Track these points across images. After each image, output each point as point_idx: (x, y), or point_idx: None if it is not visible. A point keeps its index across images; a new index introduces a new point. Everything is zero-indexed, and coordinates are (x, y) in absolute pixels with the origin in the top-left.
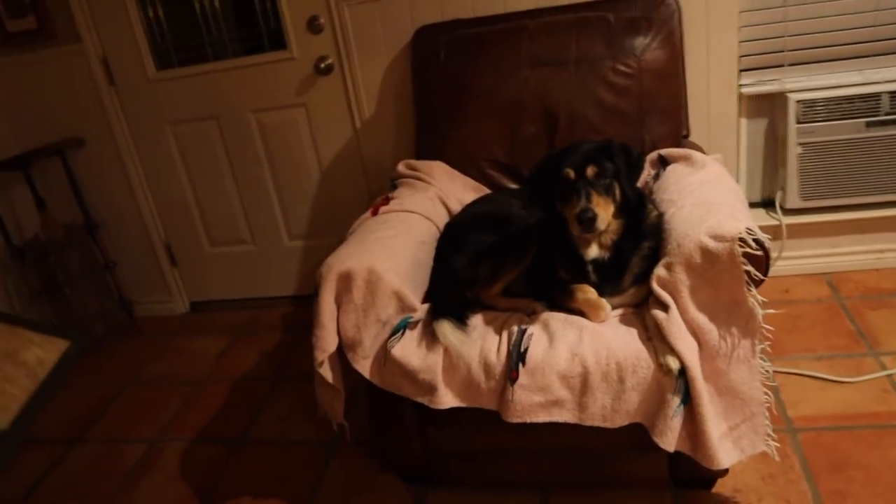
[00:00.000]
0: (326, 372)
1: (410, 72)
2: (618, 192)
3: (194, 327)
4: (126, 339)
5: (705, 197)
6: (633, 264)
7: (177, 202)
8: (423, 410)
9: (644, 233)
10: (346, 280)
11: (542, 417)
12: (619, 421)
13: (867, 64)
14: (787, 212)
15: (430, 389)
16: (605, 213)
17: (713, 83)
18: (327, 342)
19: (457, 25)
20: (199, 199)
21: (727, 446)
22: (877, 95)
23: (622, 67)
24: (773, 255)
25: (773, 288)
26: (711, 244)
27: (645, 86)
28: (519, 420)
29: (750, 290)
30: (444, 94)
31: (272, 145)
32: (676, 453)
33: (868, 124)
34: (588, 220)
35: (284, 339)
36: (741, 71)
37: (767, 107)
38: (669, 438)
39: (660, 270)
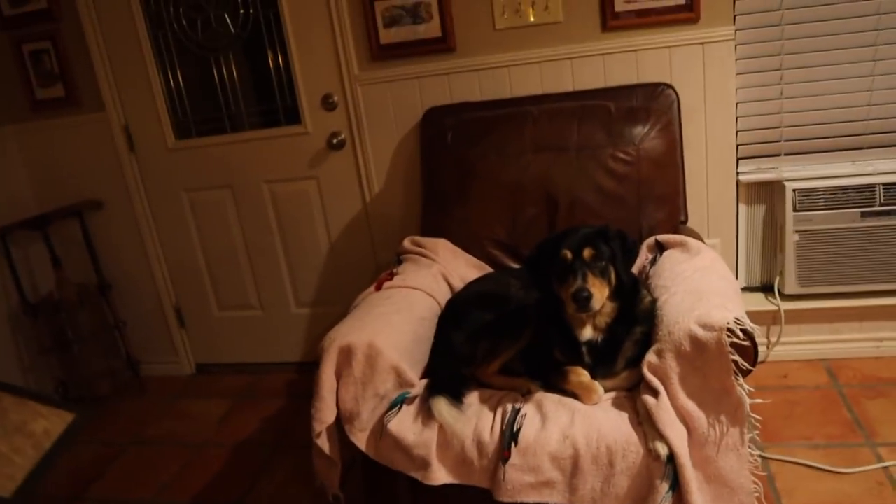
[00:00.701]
0: (324, 443)
1: (419, 150)
2: (613, 275)
3: (198, 389)
4: (130, 398)
5: (697, 285)
6: (626, 348)
7: (188, 266)
8: (417, 486)
9: (637, 317)
10: (346, 354)
11: (533, 498)
12: None
13: (861, 156)
14: (786, 297)
15: (424, 465)
16: (599, 293)
17: (712, 170)
18: (326, 414)
19: (464, 108)
20: (210, 263)
21: None
22: (871, 186)
23: (621, 155)
24: (773, 339)
25: (772, 373)
26: (700, 333)
27: (643, 173)
28: (510, 500)
29: (738, 379)
30: (450, 174)
31: (284, 215)
32: None
33: (863, 214)
34: (583, 300)
35: (286, 405)
36: (739, 159)
37: (766, 194)
38: None
39: (650, 357)
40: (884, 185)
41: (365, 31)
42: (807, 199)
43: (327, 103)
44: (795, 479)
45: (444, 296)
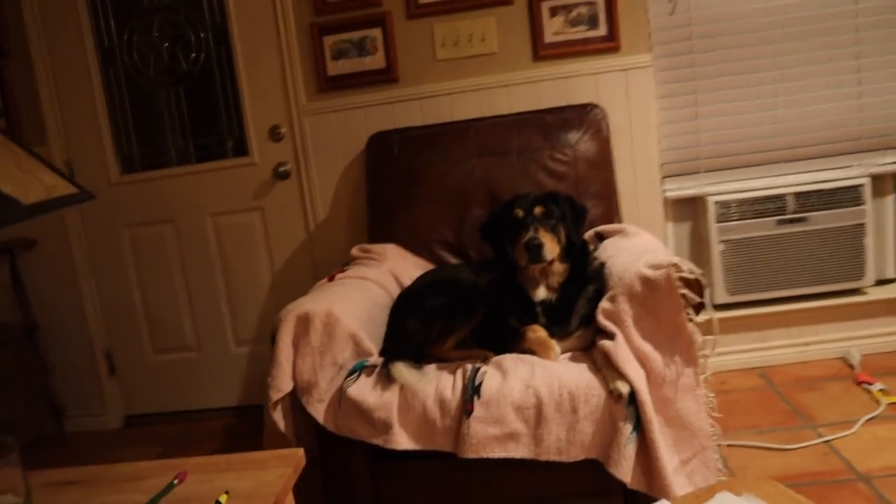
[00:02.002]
0: (278, 417)
1: (365, 170)
2: (563, 234)
3: (127, 439)
4: (51, 451)
5: (640, 248)
6: (580, 306)
7: (123, 307)
8: (376, 467)
9: (588, 277)
10: (304, 322)
11: (498, 452)
12: (575, 454)
13: (771, 170)
14: (717, 307)
15: (386, 428)
16: (551, 244)
17: (640, 188)
18: (283, 382)
19: (408, 130)
20: (147, 303)
21: (681, 481)
22: (783, 196)
23: (559, 156)
24: (709, 350)
25: (710, 381)
26: (650, 273)
27: (580, 172)
28: (475, 455)
29: (689, 316)
30: (397, 182)
31: (227, 248)
32: (633, 498)
33: (778, 222)
34: (535, 247)
35: (224, 447)
36: (664, 177)
37: (690, 209)
38: (625, 468)
39: (604, 303)
40: (794, 194)
41: (313, 63)
42: (727, 210)
43: (274, 134)
44: (746, 459)
45: (395, 290)
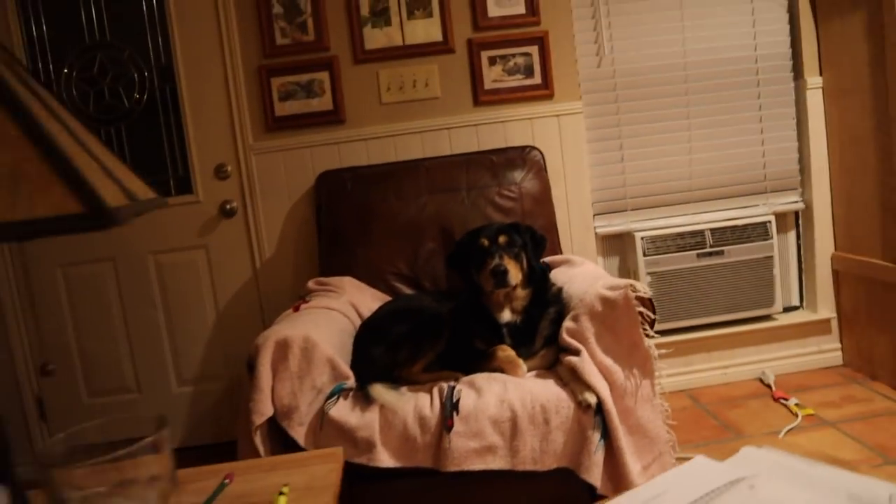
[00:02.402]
0: (259, 444)
1: (314, 209)
2: (525, 262)
3: None
4: None
5: (592, 274)
6: (543, 327)
7: (57, 348)
8: (354, 489)
9: (549, 301)
10: (282, 347)
11: (478, 465)
12: (548, 463)
13: (691, 208)
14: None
15: (369, 447)
16: (514, 271)
17: (574, 225)
18: (265, 406)
19: (357, 169)
20: (82, 344)
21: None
22: (702, 231)
23: (506, 192)
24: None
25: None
26: (609, 293)
27: (526, 207)
28: (457, 468)
29: (645, 331)
30: (352, 217)
31: (169, 286)
32: None
33: (698, 255)
34: (501, 274)
35: None
36: (595, 215)
37: (619, 245)
38: (595, 474)
39: (568, 323)
40: (711, 229)
41: (261, 104)
42: (653, 245)
43: (220, 172)
44: None
45: (357, 320)
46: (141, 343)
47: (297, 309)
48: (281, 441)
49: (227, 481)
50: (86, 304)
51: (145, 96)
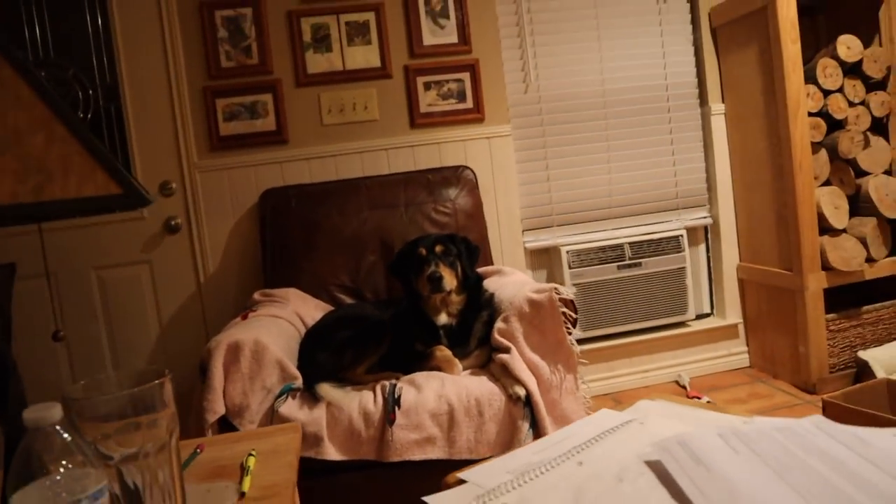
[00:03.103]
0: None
1: (259, 225)
2: (460, 269)
3: None
4: None
5: (520, 282)
6: (476, 329)
7: None
8: (301, 483)
9: (482, 305)
10: (234, 350)
11: (418, 455)
12: (482, 452)
13: (611, 224)
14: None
15: (317, 441)
16: (449, 277)
17: (504, 240)
18: (217, 405)
19: (300, 187)
20: (19, 359)
21: None
22: (621, 245)
23: (442, 208)
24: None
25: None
26: (536, 296)
27: (460, 222)
28: (398, 458)
29: (568, 330)
30: (296, 232)
31: (111, 301)
32: None
33: (619, 267)
34: (436, 280)
35: None
36: (524, 230)
37: (546, 258)
38: None
39: (499, 324)
40: (629, 243)
41: (206, 123)
42: (578, 258)
43: (165, 189)
44: None
45: (302, 328)
46: (81, 357)
47: (245, 317)
48: None
49: (198, 450)
50: (24, 317)
51: (89, 115)
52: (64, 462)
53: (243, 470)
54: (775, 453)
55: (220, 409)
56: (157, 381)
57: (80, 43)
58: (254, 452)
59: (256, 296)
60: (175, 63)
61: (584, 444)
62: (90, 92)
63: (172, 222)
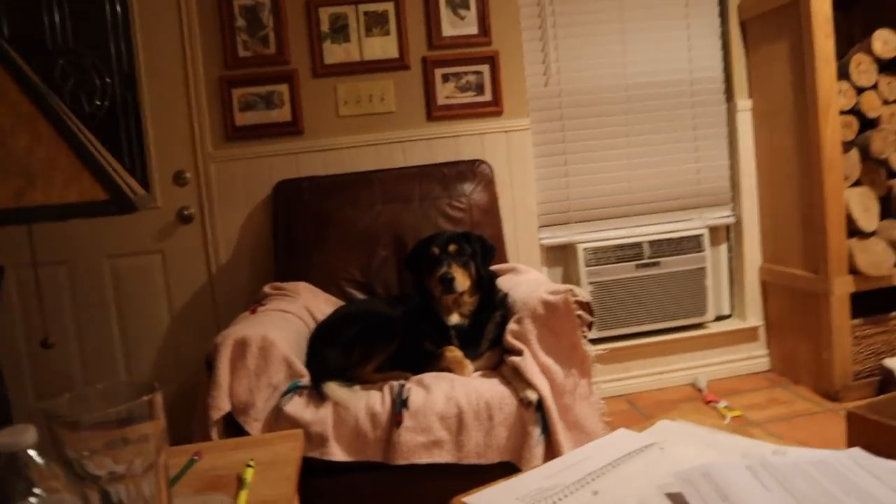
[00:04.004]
0: (215, 438)
1: (271, 213)
2: (474, 269)
3: None
4: None
5: (535, 281)
6: (489, 331)
7: (5, 350)
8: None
9: (495, 305)
10: (241, 346)
11: (425, 458)
12: (491, 457)
13: (630, 221)
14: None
15: (322, 441)
16: (462, 279)
17: (520, 236)
18: (223, 401)
19: (313, 178)
20: (31, 348)
21: None
22: (640, 244)
23: (456, 203)
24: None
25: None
26: (551, 297)
27: (475, 218)
28: (405, 461)
29: (584, 334)
30: (308, 224)
31: (124, 291)
32: None
33: (637, 266)
34: (448, 281)
35: None
36: (541, 227)
37: (562, 255)
38: (536, 466)
39: (512, 325)
40: (648, 242)
41: (221, 113)
42: (595, 256)
43: (179, 179)
44: None
45: (312, 323)
46: (92, 347)
47: (253, 311)
48: (236, 437)
49: (196, 458)
50: (35, 309)
51: (106, 102)
52: (37, 491)
53: (240, 482)
54: (810, 492)
55: (225, 407)
56: (145, 398)
57: (99, 31)
58: (252, 463)
59: (267, 289)
60: (192, 52)
61: (599, 469)
62: (107, 80)
63: (186, 212)
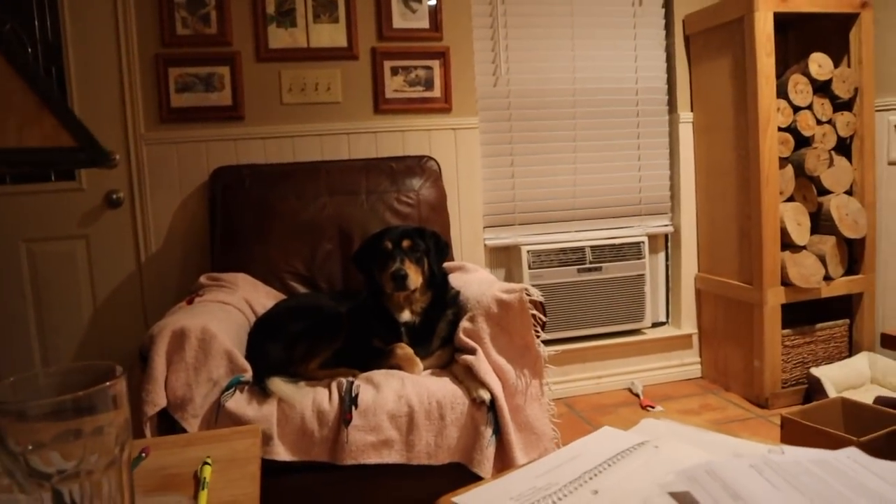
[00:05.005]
0: (148, 435)
1: (208, 205)
2: (427, 266)
3: None
4: None
5: (486, 280)
6: (440, 329)
7: None
8: None
9: (447, 303)
10: (179, 338)
11: (374, 459)
12: (442, 458)
13: (573, 226)
14: None
15: (266, 440)
16: (415, 275)
17: (465, 235)
18: (158, 396)
19: (254, 167)
20: None
21: None
22: (582, 248)
23: (405, 198)
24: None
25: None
26: (505, 296)
27: (423, 214)
28: (353, 461)
29: (537, 334)
30: (249, 214)
31: (42, 277)
32: None
33: (579, 270)
34: (400, 278)
35: None
36: (485, 227)
37: (505, 257)
38: (486, 468)
39: (465, 323)
40: (591, 246)
41: (156, 93)
42: (538, 258)
43: None
44: None
45: (252, 316)
46: (4, 338)
47: (190, 302)
48: (171, 433)
49: (143, 455)
50: None
51: None
52: None
53: (198, 481)
54: (818, 489)
55: (160, 402)
56: (107, 383)
57: None
58: (209, 461)
59: (203, 279)
60: (126, 25)
61: (595, 468)
62: (29, 50)
63: (114, 196)
